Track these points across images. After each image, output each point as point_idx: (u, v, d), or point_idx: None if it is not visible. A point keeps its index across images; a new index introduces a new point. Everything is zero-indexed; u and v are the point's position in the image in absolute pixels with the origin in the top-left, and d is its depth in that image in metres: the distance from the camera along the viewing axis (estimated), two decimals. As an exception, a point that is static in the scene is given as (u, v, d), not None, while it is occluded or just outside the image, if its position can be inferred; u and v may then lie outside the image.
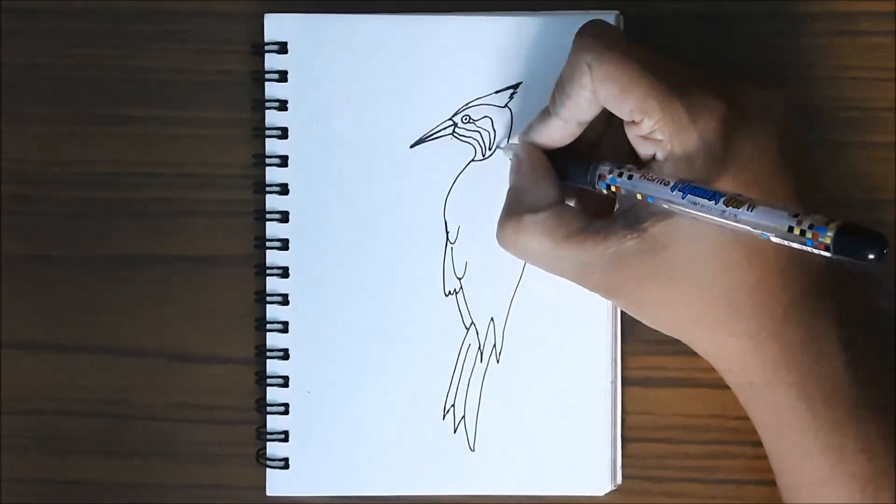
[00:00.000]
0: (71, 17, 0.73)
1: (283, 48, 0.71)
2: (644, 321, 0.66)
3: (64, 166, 0.73)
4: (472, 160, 0.71)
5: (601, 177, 0.66)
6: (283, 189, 0.72)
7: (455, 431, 0.72)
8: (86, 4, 0.73)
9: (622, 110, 0.64)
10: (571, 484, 0.71)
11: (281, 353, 0.72)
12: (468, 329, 0.71)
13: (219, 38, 0.73)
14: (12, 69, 0.73)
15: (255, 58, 0.72)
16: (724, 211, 0.60)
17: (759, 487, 0.71)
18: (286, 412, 0.72)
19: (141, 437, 0.73)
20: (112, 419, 0.73)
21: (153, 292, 0.73)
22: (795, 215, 0.58)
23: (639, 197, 0.64)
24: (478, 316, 0.71)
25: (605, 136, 0.68)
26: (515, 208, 0.66)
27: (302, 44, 0.71)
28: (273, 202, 0.72)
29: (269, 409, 0.72)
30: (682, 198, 0.62)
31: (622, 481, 0.72)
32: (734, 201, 0.60)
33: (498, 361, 0.71)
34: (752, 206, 0.59)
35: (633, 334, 0.72)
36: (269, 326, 0.72)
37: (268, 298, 0.72)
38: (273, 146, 0.72)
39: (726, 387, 0.67)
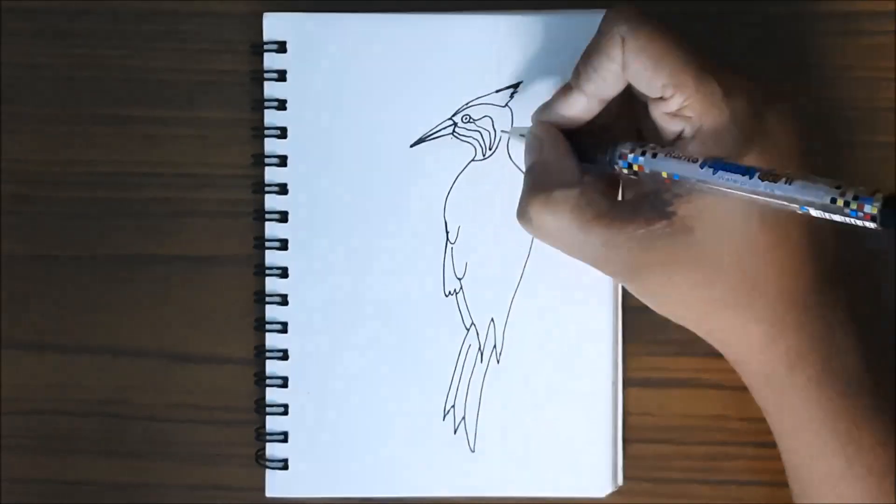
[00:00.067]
0: (71, 17, 0.73)
1: (282, 48, 0.71)
2: (661, 309, 0.66)
3: (64, 166, 0.73)
4: (473, 160, 0.71)
5: (622, 156, 0.65)
6: (283, 189, 0.72)
7: (455, 432, 0.71)
8: (86, 4, 0.73)
9: (653, 85, 0.63)
10: (572, 485, 0.71)
11: (280, 354, 0.72)
12: (468, 329, 0.71)
13: (219, 38, 0.73)
14: (12, 69, 0.73)
15: (254, 57, 0.72)
16: (758, 186, 0.60)
17: (760, 488, 0.71)
18: (285, 413, 0.72)
19: (141, 437, 0.73)
20: (112, 419, 0.73)
21: (153, 292, 0.73)
22: (838, 187, 0.57)
23: (664, 175, 0.63)
24: (478, 316, 0.71)
25: (618, 121, 0.68)
26: (543, 184, 0.65)
27: (301, 43, 0.71)
28: (272, 202, 0.72)
29: (268, 409, 0.72)
30: (713, 174, 0.61)
31: (623, 482, 0.72)
32: (770, 176, 0.59)
33: (498, 362, 0.71)
34: (790, 180, 0.59)
35: (634, 335, 0.72)
36: (268, 327, 0.72)
37: (267, 299, 0.72)
38: (272, 146, 0.72)
39: (728, 388, 0.67)
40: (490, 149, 0.71)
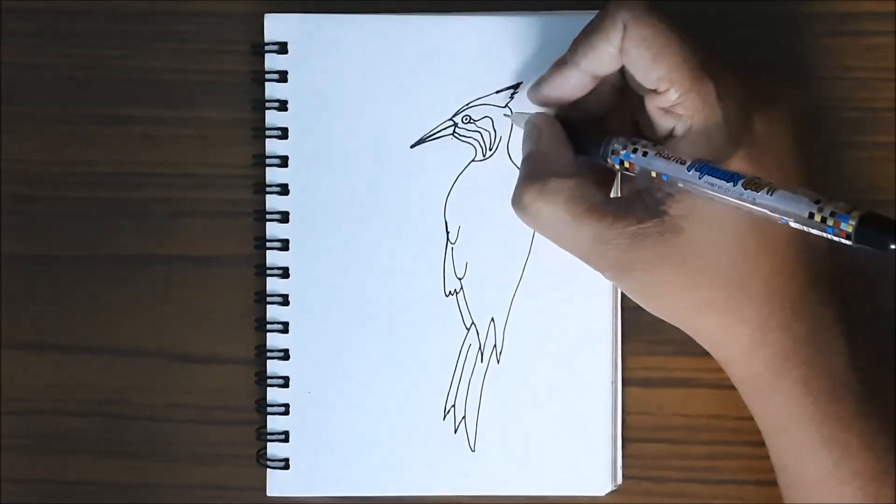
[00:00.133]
0: (71, 17, 0.73)
1: (283, 48, 0.71)
2: (649, 307, 0.66)
3: (64, 166, 0.73)
4: (473, 160, 0.71)
5: (614, 151, 0.65)
6: (284, 189, 0.72)
7: (455, 432, 0.72)
8: (86, 4, 0.73)
9: (649, 76, 0.63)
10: (572, 484, 0.71)
11: (281, 354, 0.72)
12: (468, 329, 0.71)
13: (219, 38, 0.73)
14: (12, 69, 0.73)
15: (255, 58, 0.72)
16: (741, 193, 0.60)
17: (759, 488, 0.71)
18: (286, 412, 0.72)
19: (141, 437, 0.73)
20: (112, 419, 0.73)
21: (153, 292, 0.73)
22: (817, 201, 0.58)
23: (653, 174, 0.63)
24: (478, 316, 0.71)
25: (614, 111, 0.68)
26: (539, 173, 0.65)
27: (302, 44, 0.71)
28: (273, 202, 0.72)
29: (269, 409, 0.72)
30: (699, 178, 0.61)
31: (623, 481, 0.72)
32: (753, 184, 0.60)
33: (498, 362, 0.71)
34: (771, 190, 0.59)
35: (633, 334, 0.72)
36: (269, 327, 0.72)
37: (268, 299, 0.72)
38: (273, 146, 0.72)
39: (727, 387, 0.67)
40: (490, 149, 0.71)
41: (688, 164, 0.62)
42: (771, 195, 0.59)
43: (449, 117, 0.71)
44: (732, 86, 0.63)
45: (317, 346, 0.72)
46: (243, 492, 0.73)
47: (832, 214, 0.57)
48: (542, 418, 0.71)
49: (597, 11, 0.66)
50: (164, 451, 0.73)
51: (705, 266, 0.63)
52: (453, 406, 0.71)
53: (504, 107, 0.71)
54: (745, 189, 0.60)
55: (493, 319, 0.71)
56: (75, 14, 0.73)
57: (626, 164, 0.65)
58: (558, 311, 0.71)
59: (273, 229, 0.72)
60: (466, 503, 0.72)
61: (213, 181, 0.73)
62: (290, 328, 0.72)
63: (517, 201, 0.66)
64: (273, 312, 0.72)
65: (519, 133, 0.69)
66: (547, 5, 0.71)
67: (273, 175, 0.72)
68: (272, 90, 0.72)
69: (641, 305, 0.66)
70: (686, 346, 0.67)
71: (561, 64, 0.66)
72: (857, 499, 0.64)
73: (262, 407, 0.72)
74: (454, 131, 0.71)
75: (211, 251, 0.73)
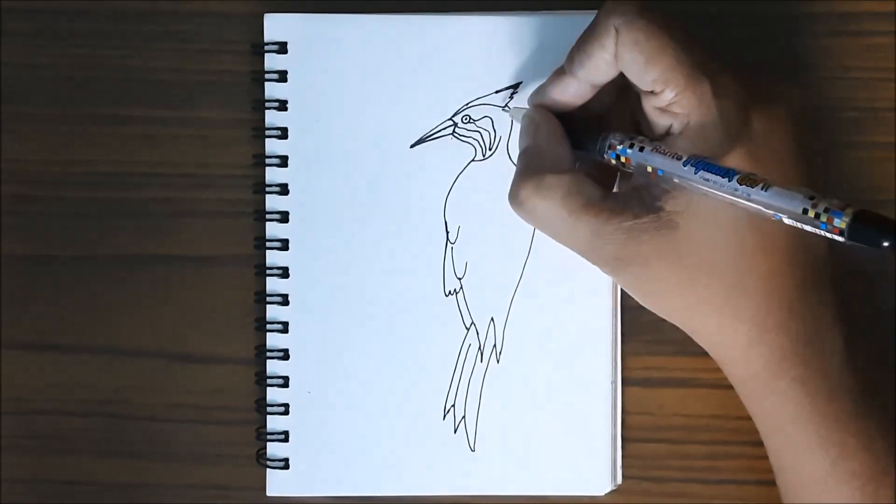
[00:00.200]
0: (71, 17, 0.73)
1: (282, 48, 0.71)
2: (647, 303, 0.66)
3: (64, 166, 0.73)
4: (473, 160, 0.71)
5: (611, 146, 0.65)
6: (283, 189, 0.72)
7: (455, 432, 0.72)
8: (86, 4, 0.73)
9: (643, 79, 0.63)
10: (572, 484, 0.71)
11: (281, 354, 0.72)
12: (468, 329, 0.71)
13: (219, 38, 0.73)
14: (12, 69, 0.73)
15: (255, 58, 0.72)
16: (736, 189, 0.60)
17: (759, 488, 0.71)
18: (286, 412, 0.72)
19: (141, 437, 0.73)
20: (112, 419, 0.73)
21: (153, 292, 0.73)
22: (811, 198, 0.58)
23: (649, 169, 0.63)
24: (478, 316, 0.71)
25: (614, 109, 0.68)
26: (535, 168, 0.65)
27: (302, 44, 0.71)
28: (273, 202, 0.72)
29: (269, 409, 0.72)
30: (695, 173, 0.61)
31: (622, 481, 0.72)
32: (748, 180, 0.60)
33: (498, 361, 0.71)
34: (766, 186, 0.59)
35: (633, 334, 0.72)
36: (269, 327, 0.72)
37: (268, 299, 0.72)
38: (273, 146, 0.72)
39: (727, 387, 0.67)
40: (490, 149, 0.71)
41: (683, 159, 0.62)
42: (765, 191, 0.59)
43: (449, 117, 0.71)
44: (731, 85, 0.63)
45: (317, 346, 0.72)
46: (243, 492, 0.73)
47: (826, 211, 0.57)
48: (542, 418, 0.71)
49: (596, 11, 0.66)
50: (164, 451, 0.73)
51: (701, 263, 0.63)
52: (453, 406, 0.71)
53: (504, 107, 0.71)
54: (740, 185, 0.60)
55: (492, 319, 0.71)
56: (75, 14, 0.73)
57: (623, 160, 0.65)
58: (558, 311, 0.71)
59: (273, 229, 0.72)
60: (466, 503, 0.72)
61: (213, 181, 0.73)
62: (289, 328, 0.72)
63: (514, 197, 0.65)
64: (273, 312, 0.72)
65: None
66: (547, 5, 0.71)
67: (273, 175, 0.72)
68: (272, 90, 0.72)
69: (640, 302, 0.66)
70: (686, 346, 0.67)
71: (560, 73, 0.66)
72: (855, 499, 0.64)
73: (261, 407, 0.72)
74: (454, 131, 0.71)
75: (211, 251, 0.73)
